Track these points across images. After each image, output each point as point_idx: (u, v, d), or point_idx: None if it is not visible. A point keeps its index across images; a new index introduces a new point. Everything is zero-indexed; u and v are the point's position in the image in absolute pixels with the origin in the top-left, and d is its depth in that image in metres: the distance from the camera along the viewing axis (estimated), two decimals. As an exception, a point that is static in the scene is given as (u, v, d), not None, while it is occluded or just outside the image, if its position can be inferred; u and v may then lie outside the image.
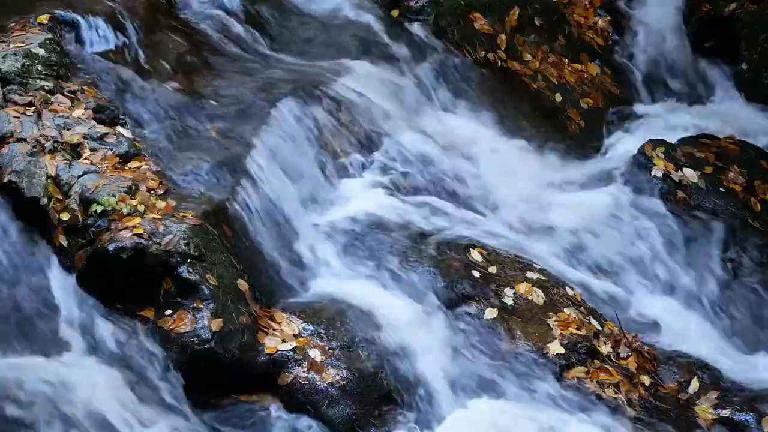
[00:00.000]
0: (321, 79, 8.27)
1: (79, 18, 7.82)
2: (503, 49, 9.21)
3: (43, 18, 7.66)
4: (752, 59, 9.39)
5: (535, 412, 6.70)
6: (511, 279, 7.31)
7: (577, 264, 7.81)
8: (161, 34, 8.19)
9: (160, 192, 6.92)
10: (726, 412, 6.91)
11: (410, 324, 6.93)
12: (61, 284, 6.61)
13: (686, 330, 7.54)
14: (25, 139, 6.87)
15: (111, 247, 6.56)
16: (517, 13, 9.38)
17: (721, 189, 8.22)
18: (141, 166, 7.05)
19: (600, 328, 7.19)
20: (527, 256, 7.59)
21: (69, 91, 7.30)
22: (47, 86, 7.23)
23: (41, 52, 7.37)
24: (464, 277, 7.22)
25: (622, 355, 7.10)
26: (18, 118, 6.96)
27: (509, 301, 7.18)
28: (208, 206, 6.95)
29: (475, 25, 9.22)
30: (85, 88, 7.39)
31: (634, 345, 7.15)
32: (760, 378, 7.20)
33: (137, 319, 6.58)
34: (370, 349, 6.76)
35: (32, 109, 7.05)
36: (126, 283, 6.58)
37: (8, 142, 6.85)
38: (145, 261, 6.57)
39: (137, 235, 6.59)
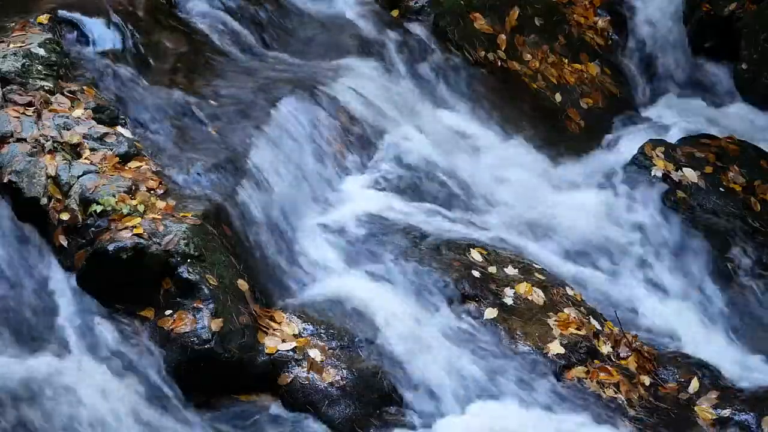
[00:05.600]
0: (321, 79, 8.26)
1: (79, 18, 7.82)
2: (503, 49, 9.21)
3: (43, 18, 7.66)
4: (752, 59, 9.39)
5: (535, 412, 6.70)
6: (511, 279, 7.31)
7: (577, 264, 7.81)
8: (161, 34, 8.19)
9: (160, 192, 6.92)
10: (726, 412, 6.91)
11: (410, 324, 6.93)
12: (61, 284, 6.61)
13: (686, 330, 7.55)
14: (25, 139, 6.87)
15: (111, 247, 6.56)
16: (517, 13, 9.38)
17: (721, 189, 8.23)
18: (141, 166, 7.05)
19: (600, 328, 7.20)
20: (527, 256, 7.59)
21: (69, 91, 7.29)
22: (47, 86, 7.23)
23: (41, 52, 7.37)
24: (464, 277, 7.22)
25: (622, 355, 7.10)
26: (18, 118, 6.96)
27: (509, 301, 7.18)
28: (208, 206, 6.95)
29: (475, 25, 9.22)
30: (85, 88, 7.39)
31: (634, 345, 7.15)
32: (760, 378, 7.21)
33: (137, 319, 6.58)
34: (370, 349, 6.77)
35: (32, 109, 7.05)
36: (126, 283, 6.58)
37: (8, 142, 6.85)
38: (144, 261, 6.57)
39: (137, 235, 6.59)
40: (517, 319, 7.11)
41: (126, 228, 6.62)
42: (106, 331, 6.51)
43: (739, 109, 9.43)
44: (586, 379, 6.91)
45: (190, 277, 6.60)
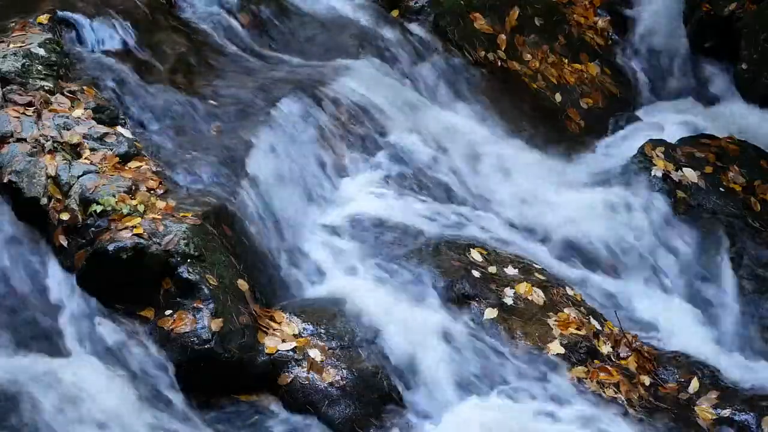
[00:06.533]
0: (321, 79, 8.26)
1: (79, 18, 7.83)
2: (503, 49, 9.21)
3: (43, 18, 7.66)
4: (752, 59, 9.38)
5: (535, 412, 6.70)
6: (511, 279, 7.31)
7: (576, 264, 7.81)
8: (161, 34, 8.18)
9: (160, 192, 6.92)
10: (726, 412, 6.91)
11: (410, 324, 6.93)
12: (61, 284, 6.61)
13: (686, 330, 7.54)
14: (25, 139, 6.87)
15: (111, 247, 6.56)
16: (517, 13, 9.38)
17: (721, 189, 8.22)
18: (141, 166, 7.05)
19: (600, 328, 7.20)
20: (527, 256, 7.59)
21: (69, 91, 7.30)
22: (47, 86, 7.23)
23: (41, 52, 7.37)
24: (464, 277, 7.21)
25: (622, 355, 7.10)
26: (18, 118, 6.97)
27: (509, 301, 7.18)
28: (208, 206, 6.95)
29: (475, 25, 9.22)
30: (85, 88, 7.39)
31: (634, 345, 7.15)
32: (760, 378, 7.20)
33: (137, 319, 6.58)
34: (370, 349, 6.77)
35: (32, 109, 7.05)
36: (126, 283, 6.58)
37: (8, 142, 6.86)
38: (145, 261, 6.57)
39: (137, 235, 6.59)
40: (517, 319, 7.11)
41: (126, 228, 6.62)
42: (106, 331, 6.52)
43: (739, 109, 9.42)
44: (586, 379, 6.91)
45: (190, 277, 6.60)
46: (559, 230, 7.97)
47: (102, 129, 7.14)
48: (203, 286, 6.59)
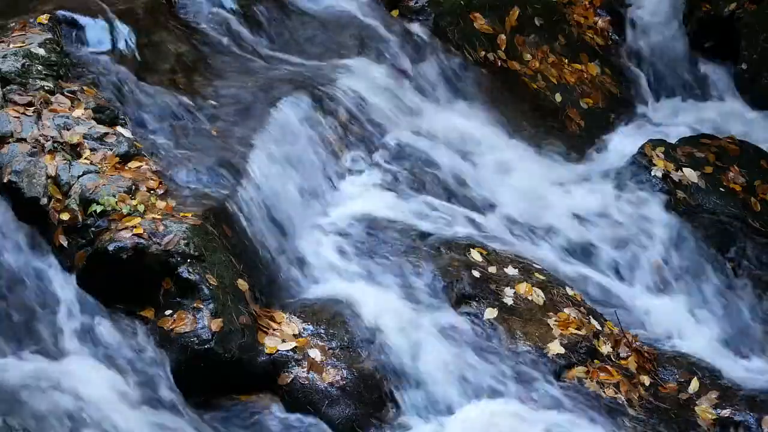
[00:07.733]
0: (321, 79, 8.27)
1: (79, 18, 7.82)
2: (503, 49, 9.21)
3: (43, 18, 7.66)
4: (752, 59, 9.39)
5: (535, 412, 6.71)
6: (511, 279, 7.31)
7: (576, 264, 7.81)
8: (161, 34, 8.19)
9: (160, 192, 6.92)
10: (726, 412, 6.91)
11: (410, 324, 6.93)
12: (61, 284, 6.61)
13: (686, 330, 7.55)
14: (25, 139, 6.87)
15: (111, 247, 6.56)
16: (517, 13, 9.38)
17: (721, 189, 8.23)
18: (141, 166, 7.06)
19: (600, 328, 7.20)
20: (527, 256, 7.59)
21: (69, 91, 7.30)
22: (47, 86, 7.23)
23: (41, 52, 7.37)
24: (464, 277, 7.22)
25: (622, 355, 7.10)
26: (18, 118, 6.96)
27: (509, 301, 7.19)
28: (208, 206, 6.95)
29: (475, 25, 9.22)
30: (85, 88, 7.39)
31: (634, 345, 7.15)
32: (760, 378, 7.21)
33: (137, 319, 6.58)
34: (370, 349, 6.77)
35: (32, 109, 7.05)
36: (126, 283, 6.58)
37: (8, 142, 6.86)
38: (145, 261, 6.57)
39: (137, 235, 6.59)
40: (517, 319, 7.11)
41: (126, 228, 6.62)
42: (106, 331, 6.52)
43: (739, 109, 9.43)
44: (586, 379, 6.91)
45: (190, 277, 6.60)
46: (558, 230, 7.98)
47: (102, 129, 7.14)
48: (203, 286, 6.59)
